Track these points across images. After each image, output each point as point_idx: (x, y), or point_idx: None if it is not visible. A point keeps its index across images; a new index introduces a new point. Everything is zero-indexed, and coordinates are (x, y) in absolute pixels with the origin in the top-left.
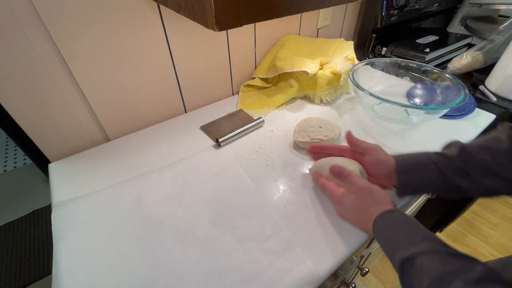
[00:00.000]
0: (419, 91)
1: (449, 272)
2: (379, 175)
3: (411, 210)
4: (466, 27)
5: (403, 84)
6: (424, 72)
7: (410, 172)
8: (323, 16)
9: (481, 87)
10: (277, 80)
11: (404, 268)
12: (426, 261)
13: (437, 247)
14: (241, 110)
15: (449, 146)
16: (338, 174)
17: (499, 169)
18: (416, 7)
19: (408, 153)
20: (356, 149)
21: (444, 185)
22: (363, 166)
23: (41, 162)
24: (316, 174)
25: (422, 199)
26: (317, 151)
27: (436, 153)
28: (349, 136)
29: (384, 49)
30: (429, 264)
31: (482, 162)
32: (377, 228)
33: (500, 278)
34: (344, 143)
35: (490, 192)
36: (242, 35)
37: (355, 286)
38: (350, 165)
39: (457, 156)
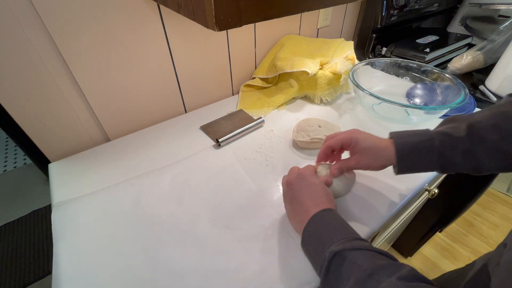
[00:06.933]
0: (419, 91)
1: (380, 266)
2: (373, 165)
3: (411, 210)
4: (466, 27)
5: (403, 84)
6: (424, 72)
7: (411, 157)
8: (323, 16)
9: (481, 87)
10: (277, 80)
11: (333, 262)
12: (358, 255)
13: (366, 246)
14: (241, 110)
15: (453, 120)
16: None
17: (508, 148)
18: (416, 7)
19: (406, 131)
20: (334, 148)
21: (442, 166)
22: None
23: (41, 162)
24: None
25: (422, 199)
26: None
27: (440, 133)
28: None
29: (384, 49)
30: (361, 259)
31: (492, 142)
32: (312, 224)
33: (424, 278)
34: None
35: (484, 170)
36: (242, 35)
37: None
38: (324, 171)
39: (466, 136)
